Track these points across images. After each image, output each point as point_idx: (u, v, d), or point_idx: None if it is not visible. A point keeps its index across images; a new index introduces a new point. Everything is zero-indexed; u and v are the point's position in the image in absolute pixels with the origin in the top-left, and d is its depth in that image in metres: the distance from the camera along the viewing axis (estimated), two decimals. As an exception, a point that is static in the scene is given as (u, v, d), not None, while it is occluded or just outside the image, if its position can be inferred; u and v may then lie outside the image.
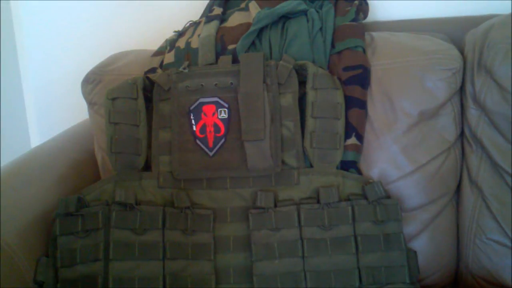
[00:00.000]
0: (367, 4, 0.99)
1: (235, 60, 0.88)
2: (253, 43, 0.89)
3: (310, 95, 0.83)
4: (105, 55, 1.04)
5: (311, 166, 0.82)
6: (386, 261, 0.78)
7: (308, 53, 0.87)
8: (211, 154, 0.84)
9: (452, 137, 0.88)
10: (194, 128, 0.85)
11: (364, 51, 0.88)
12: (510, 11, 0.89)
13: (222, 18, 0.96)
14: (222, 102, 0.85)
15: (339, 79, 0.85)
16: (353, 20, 0.91)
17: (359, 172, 0.85)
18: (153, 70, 0.93)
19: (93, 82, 0.98)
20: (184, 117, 0.85)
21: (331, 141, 0.82)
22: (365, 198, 0.80)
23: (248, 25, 0.91)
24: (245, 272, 0.79)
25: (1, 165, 0.90)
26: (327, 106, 0.83)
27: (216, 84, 0.85)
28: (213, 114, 0.85)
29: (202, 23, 0.96)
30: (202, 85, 0.85)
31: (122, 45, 1.11)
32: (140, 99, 0.86)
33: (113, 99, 0.86)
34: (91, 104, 0.99)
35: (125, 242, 0.78)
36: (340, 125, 0.83)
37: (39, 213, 0.82)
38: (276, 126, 0.83)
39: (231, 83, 0.85)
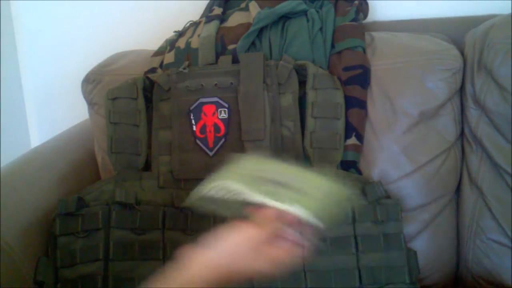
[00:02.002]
0: (367, 4, 0.99)
1: (235, 60, 0.88)
2: (253, 43, 0.89)
3: (310, 95, 0.83)
4: (105, 55, 1.04)
5: (311, 166, 0.82)
6: (386, 261, 0.78)
7: (308, 53, 0.87)
8: (211, 154, 0.84)
9: (452, 137, 0.88)
10: (194, 128, 0.85)
11: (364, 51, 0.88)
12: (510, 11, 0.88)
13: (222, 18, 0.96)
14: (222, 102, 0.85)
15: (339, 79, 0.85)
16: (353, 20, 0.91)
17: (359, 172, 0.85)
18: (153, 70, 0.93)
19: (93, 82, 0.98)
20: (184, 117, 0.85)
21: (331, 141, 0.82)
22: (365, 198, 0.80)
23: (248, 25, 0.91)
24: (245, 272, 0.79)
25: (1, 165, 0.90)
26: (327, 106, 0.83)
27: (216, 84, 0.85)
28: (213, 114, 0.85)
29: (202, 23, 0.95)
30: (202, 85, 0.85)
31: (122, 45, 1.11)
32: (140, 99, 0.86)
33: (113, 99, 0.86)
34: (91, 104, 0.99)
35: (125, 242, 0.78)
36: (340, 125, 0.83)
37: (39, 213, 0.82)
38: (276, 126, 0.83)
39: (231, 83, 0.85)
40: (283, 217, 0.53)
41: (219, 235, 0.52)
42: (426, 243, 0.86)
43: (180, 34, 0.98)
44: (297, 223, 0.54)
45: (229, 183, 0.59)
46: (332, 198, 0.58)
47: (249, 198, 0.57)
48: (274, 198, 0.56)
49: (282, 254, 0.52)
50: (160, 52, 0.97)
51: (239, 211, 0.57)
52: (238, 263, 0.51)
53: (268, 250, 0.52)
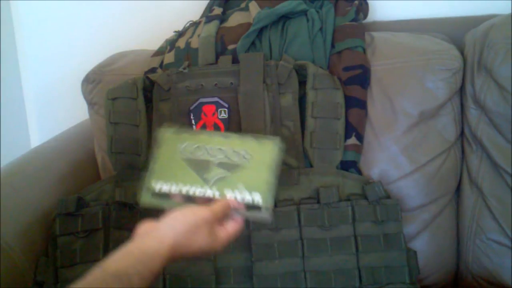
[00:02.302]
0: (367, 4, 0.99)
1: (235, 60, 0.88)
2: (253, 43, 0.89)
3: (310, 95, 0.83)
4: (105, 55, 1.04)
5: (311, 166, 0.82)
6: (386, 261, 0.78)
7: (308, 53, 0.87)
8: (211, 154, 0.84)
9: (452, 137, 0.88)
10: (194, 128, 0.85)
11: (364, 51, 0.88)
12: (510, 11, 0.89)
13: (222, 18, 0.96)
14: (222, 102, 0.85)
15: (339, 79, 0.85)
16: (353, 20, 0.91)
17: (359, 172, 0.85)
18: (153, 70, 0.93)
19: (93, 82, 0.98)
20: (184, 117, 0.85)
21: (331, 141, 0.82)
22: (365, 198, 0.80)
23: (248, 25, 0.91)
24: (245, 272, 0.79)
25: (1, 165, 0.90)
26: (327, 106, 0.83)
27: (216, 84, 0.85)
28: (213, 114, 0.85)
29: (202, 23, 0.95)
30: (202, 85, 0.85)
31: (122, 45, 1.11)
32: (140, 99, 0.86)
33: (113, 99, 0.86)
34: (91, 104, 0.99)
35: (125, 242, 0.78)
36: (340, 125, 0.83)
37: (39, 213, 0.82)
38: (276, 126, 0.83)
39: (231, 83, 0.85)
40: (231, 205, 0.62)
41: (176, 215, 0.56)
42: (426, 243, 0.86)
43: (180, 34, 0.98)
44: (243, 206, 0.62)
45: (179, 178, 0.64)
46: (267, 163, 0.65)
47: (199, 193, 0.63)
48: (219, 189, 0.63)
49: (231, 233, 0.60)
50: (160, 52, 0.97)
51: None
52: (192, 242, 0.55)
53: (219, 230, 0.59)
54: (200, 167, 0.65)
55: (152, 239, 0.54)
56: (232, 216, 0.62)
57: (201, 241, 0.56)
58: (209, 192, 0.63)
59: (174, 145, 0.67)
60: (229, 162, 0.65)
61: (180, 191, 0.63)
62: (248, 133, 0.81)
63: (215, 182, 0.64)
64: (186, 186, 0.64)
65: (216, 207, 0.59)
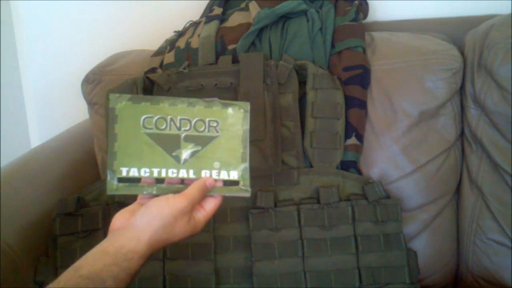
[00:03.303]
0: (367, 4, 0.99)
1: (235, 60, 0.88)
2: (253, 43, 0.89)
3: (310, 95, 0.83)
4: (105, 55, 1.04)
5: (311, 166, 0.82)
6: (386, 261, 0.78)
7: (308, 53, 0.87)
8: (211, 154, 0.84)
9: (452, 137, 0.88)
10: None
11: (364, 51, 0.88)
12: (510, 11, 0.89)
13: (222, 18, 0.96)
14: (222, 102, 0.85)
15: (339, 79, 0.85)
16: (353, 20, 0.91)
17: (359, 172, 0.85)
18: (153, 70, 0.93)
19: (93, 82, 0.98)
20: (184, 117, 0.85)
21: (331, 141, 0.82)
22: (365, 198, 0.80)
23: (248, 25, 0.91)
24: (245, 272, 0.79)
25: (1, 165, 0.90)
26: (327, 106, 0.83)
27: (216, 84, 0.85)
28: (213, 114, 0.85)
29: (202, 23, 0.95)
30: (202, 85, 0.85)
31: (122, 45, 1.11)
32: (140, 99, 0.86)
33: (113, 99, 0.86)
34: (91, 104, 0.99)
35: None
36: (340, 125, 0.83)
37: (39, 213, 0.83)
38: (276, 126, 0.83)
39: (231, 83, 0.85)
40: (207, 185, 0.58)
41: (151, 209, 0.54)
42: (426, 243, 0.86)
43: (180, 34, 0.98)
44: (221, 182, 0.59)
45: (146, 158, 0.58)
46: (239, 133, 0.61)
47: (171, 174, 0.58)
48: (193, 167, 0.59)
49: (210, 213, 0.58)
50: (160, 52, 0.97)
51: (166, 190, 0.58)
52: (171, 234, 0.53)
53: (197, 213, 0.57)
54: (167, 143, 0.59)
55: (128, 238, 0.51)
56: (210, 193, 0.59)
57: (180, 231, 0.54)
58: (182, 172, 0.58)
59: (134, 118, 0.58)
60: (198, 134, 0.60)
61: (151, 174, 0.58)
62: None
63: (187, 159, 0.59)
64: (157, 167, 0.58)
65: (192, 192, 0.56)
